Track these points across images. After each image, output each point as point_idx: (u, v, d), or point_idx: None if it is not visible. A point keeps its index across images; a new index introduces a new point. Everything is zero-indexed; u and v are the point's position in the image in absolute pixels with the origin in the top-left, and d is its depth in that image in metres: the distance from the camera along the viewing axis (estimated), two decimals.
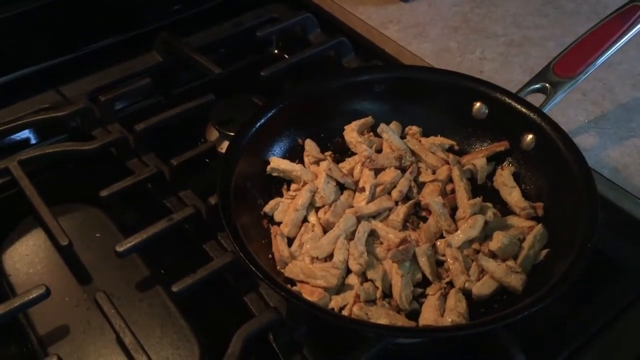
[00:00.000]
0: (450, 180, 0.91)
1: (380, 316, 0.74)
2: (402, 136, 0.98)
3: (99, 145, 0.98)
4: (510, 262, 0.80)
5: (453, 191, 0.90)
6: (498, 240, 0.80)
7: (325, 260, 0.81)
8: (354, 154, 0.96)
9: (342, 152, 0.97)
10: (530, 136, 0.91)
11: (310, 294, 0.76)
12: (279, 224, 0.87)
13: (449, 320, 0.73)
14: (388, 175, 0.90)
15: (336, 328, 0.77)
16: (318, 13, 1.27)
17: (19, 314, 0.80)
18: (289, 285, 0.78)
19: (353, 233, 0.83)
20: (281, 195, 0.91)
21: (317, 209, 0.88)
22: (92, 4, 1.17)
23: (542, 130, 0.89)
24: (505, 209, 0.89)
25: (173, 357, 0.78)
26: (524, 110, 0.91)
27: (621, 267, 0.87)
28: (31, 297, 0.78)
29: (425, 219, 0.87)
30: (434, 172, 0.93)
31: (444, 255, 0.82)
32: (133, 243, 0.83)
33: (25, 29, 1.12)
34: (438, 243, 0.83)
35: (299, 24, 1.24)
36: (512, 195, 0.88)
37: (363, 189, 0.88)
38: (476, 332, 0.70)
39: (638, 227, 0.90)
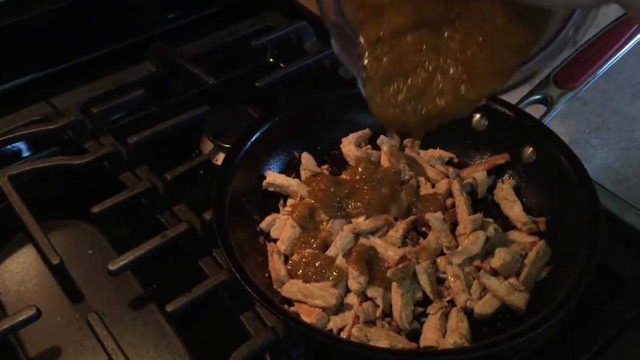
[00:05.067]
0: (450, 194, 0.90)
1: (380, 337, 0.73)
2: (401, 149, 0.97)
3: (91, 159, 0.96)
4: (512, 280, 0.78)
5: (453, 205, 0.89)
6: (500, 258, 0.79)
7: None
8: (351, 167, 0.94)
9: (339, 165, 0.96)
10: (530, 149, 0.90)
11: (308, 315, 0.75)
12: (275, 240, 0.85)
13: (451, 341, 0.72)
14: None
15: (335, 349, 0.75)
16: (314, 22, 1.25)
17: (8, 336, 0.78)
18: (285, 306, 0.77)
19: (351, 250, 0.81)
20: (277, 211, 0.90)
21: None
22: (84, 14, 1.15)
23: (542, 143, 0.88)
24: (506, 224, 0.88)
25: None
26: (524, 122, 0.90)
27: (624, 280, 0.86)
28: (21, 318, 0.76)
29: (424, 235, 0.86)
30: (433, 186, 0.92)
31: (444, 272, 0.81)
32: (126, 261, 0.81)
33: (16, 40, 1.10)
34: (438, 260, 0.82)
35: (294, 32, 1.22)
36: (513, 209, 0.87)
37: None
38: (480, 355, 0.68)
39: None
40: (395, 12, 0.61)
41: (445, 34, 0.60)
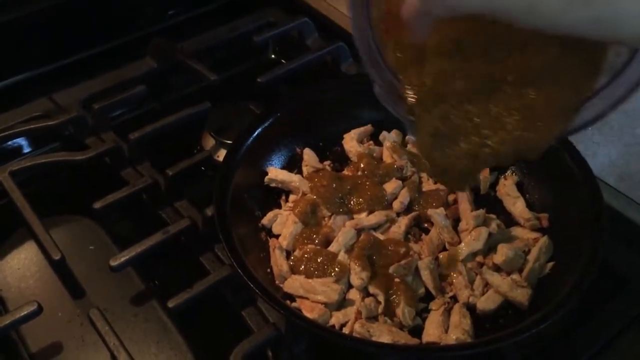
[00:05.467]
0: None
1: (383, 333, 0.72)
2: (403, 145, 0.97)
3: (92, 155, 0.96)
4: (515, 276, 0.78)
5: (455, 201, 0.88)
6: (503, 254, 0.78)
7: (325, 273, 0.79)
8: (353, 162, 0.94)
9: (341, 161, 0.96)
10: None
11: (310, 310, 0.74)
12: (277, 236, 0.85)
13: (454, 337, 0.72)
14: (389, 186, 0.88)
15: (337, 345, 0.75)
16: (316, 18, 1.25)
17: (10, 332, 0.78)
18: (288, 301, 0.77)
19: (353, 246, 0.81)
20: (279, 207, 0.89)
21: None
22: (85, 10, 1.15)
23: None
24: (509, 220, 0.88)
25: None
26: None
27: (626, 277, 0.85)
28: (22, 314, 0.76)
29: (427, 231, 0.86)
30: (435, 182, 0.91)
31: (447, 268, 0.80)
32: (127, 257, 0.81)
33: (17, 36, 1.10)
34: (441, 256, 0.82)
35: (296, 28, 1.22)
36: (516, 205, 0.87)
37: None
38: (482, 351, 0.68)
39: None
40: (438, 56, 0.58)
41: (494, 76, 0.57)
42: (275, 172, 0.90)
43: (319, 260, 0.79)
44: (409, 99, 0.59)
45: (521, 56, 0.55)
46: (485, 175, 0.90)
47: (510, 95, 0.56)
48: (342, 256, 0.80)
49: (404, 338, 0.73)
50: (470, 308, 0.77)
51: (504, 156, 0.59)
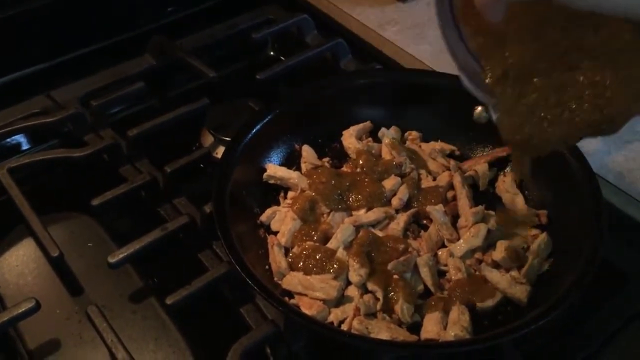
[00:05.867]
0: (451, 186, 0.89)
1: (381, 330, 0.72)
2: (402, 141, 0.96)
3: (90, 152, 0.96)
4: (514, 273, 0.78)
5: (454, 198, 0.88)
6: (501, 250, 0.78)
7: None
8: (352, 159, 0.94)
9: (340, 157, 0.96)
10: None
11: (309, 307, 0.74)
12: (275, 233, 0.85)
13: (452, 334, 0.72)
14: (388, 183, 0.88)
15: (336, 341, 0.75)
16: (314, 14, 1.25)
17: (8, 329, 0.78)
18: (286, 298, 0.76)
19: (352, 243, 0.80)
20: (278, 204, 0.89)
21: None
22: (84, 6, 1.15)
23: None
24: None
25: None
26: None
27: (626, 274, 0.85)
28: (20, 310, 0.76)
29: (426, 227, 0.86)
30: (434, 179, 0.91)
31: (445, 265, 0.81)
32: (126, 254, 0.81)
33: (15, 33, 1.10)
34: (440, 253, 0.82)
35: (295, 25, 1.22)
36: (515, 202, 0.87)
37: None
38: (481, 348, 0.68)
39: None
40: (519, 40, 0.60)
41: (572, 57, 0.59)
42: (274, 169, 0.90)
43: (317, 257, 0.79)
44: (491, 81, 0.62)
45: (594, 39, 0.58)
46: (484, 172, 0.90)
47: (585, 73, 0.59)
48: (340, 253, 0.79)
49: (402, 335, 0.73)
50: (469, 305, 0.77)
51: (583, 128, 0.61)
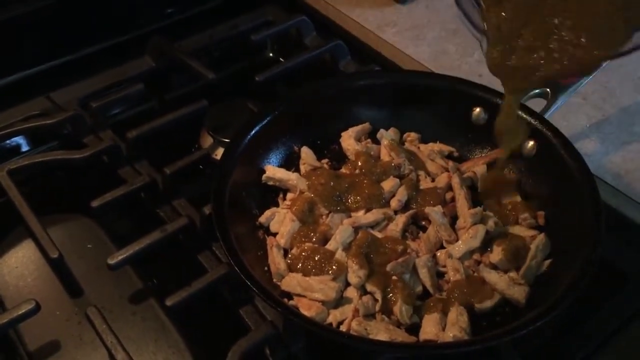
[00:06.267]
0: (450, 188, 0.89)
1: (380, 331, 0.72)
2: (401, 143, 0.97)
3: (90, 154, 0.96)
4: (512, 274, 0.78)
5: (453, 199, 0.88)
6: (499, 252, 0.78)
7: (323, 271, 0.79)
8: (351, 161, 0.94)
9: (339, 159, 0.96)
10: (531, 142, 0.89)
11: (308, 308, 0.74)
12: (275, 234, 0.85)
13: (451, 335, 0.72)
14: (387, 184, 0.88)
15: (335, 343, 0.75)
16: (313, 16, 1.25)
17: (8, 330, 0.78)
18: (285, 299, 0.77)
19: (350, 244, 0.81)
20: (277, 205, 0.89)
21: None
22: (83, 8, 1.15)
23: (543, 137, 0.88)
24: None
25: None
26: (524, 116, 0.89)
27: (625, 275, 0.86)
28: (20, 312, 0.76)
29: (424, 229, 0.86)
30: (433, 180, 0.91)
31: (444, 266, 0.81)
32: (125, 255, 0.81)
33: (14, 34, 1.10)
34: (438, 254, 0.82)
35: (294, 27, 1.22)
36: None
37: None
38: (480, 349, 0.68)
39: None
40: None
41: None
42: (273, 170, 0.90)
43: (316, 258, 0.79)
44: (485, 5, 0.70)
45: None
46: (483, 173, 0.90)
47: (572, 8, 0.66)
48: (339, 254, 0.80)
49: (401, 336, 0.73)
50: (468, 306, 0.77)
51: (564, 62, 0.67)
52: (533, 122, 0.88)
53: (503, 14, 0.68)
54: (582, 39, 0.65)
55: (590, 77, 0.91)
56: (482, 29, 0.70)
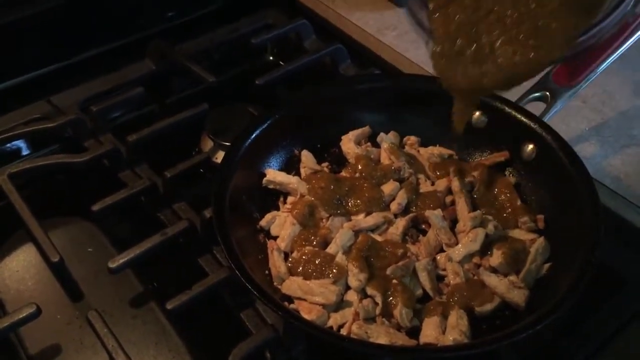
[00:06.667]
0: (449, 191, 0.89)
1: (380, 334, 0.72)
2: (401, 146, 0.97)
3: (90, 158, 0.96)
4: (512, 277, 0.78)
5: (453, 203, 0.88)
6: (498, 256, 0.78)
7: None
8: (351, 164, 0.94)
9: (339, 162, 0.96)
10: (530, 146, 0.90)
11: (308, 312, 0.75)
12: (275, 238, 0.85)
13: (451, 338, 0.72)
14: (387, 188, 0.88)
15: (335, 346, 0.75)
16: (313, 19, 1.25)
17: (9, 334, 0.78)
18: (286, 303, 0.77)
19: (351, 248, 0.81)
20: (277, 209, 0.90)
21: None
22: (84, 12, 1.16)
23: (542, 140, 0.88)
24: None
25: None
26: (524, 119, 0.90)
27: (624, 278, 0.86)
28: (21, 316, 0.76)
29: (424, 232, 0.86)
30: (433, 183, 0.92)
31: (444, 269, 0.81)
32: (126, 259, 0.81)
33: (15, 38, 1.10)
34: (438, 257, 0.82)
35: (294, 30, 1.22)
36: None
37: None
38: (480, 352, 0.68)
39: None
40: None
41: None
42: (274, 174, 0.90)
43: (317, 262, 0.80)
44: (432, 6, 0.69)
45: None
46: (483, 178, 0.90)
47: (521, 20, 0.66)
48: (340, 258, 0.80)
49: (401, 339, 0.73)
50: (468, 309, 0.77)
51: (510, 69, 0.67)
52: (532, 126, 0.89)
53: (449, 16, 0.68)
54: (530, 42, 0.66)
55: (590, 80, 0.91)
56: (429, 30, 0.70)
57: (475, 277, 0.80)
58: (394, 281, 0.78)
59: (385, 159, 0.93)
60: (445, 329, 0.74)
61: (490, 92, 0.75)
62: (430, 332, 0.74)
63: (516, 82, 0.70)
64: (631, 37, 0.92)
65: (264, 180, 0.90)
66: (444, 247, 0.83)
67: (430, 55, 0.70)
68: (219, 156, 0.99)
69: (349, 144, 0.95)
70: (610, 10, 0.65)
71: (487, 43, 0.67)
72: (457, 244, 0.83)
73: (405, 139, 0.98)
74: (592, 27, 0.66)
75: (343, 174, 0.93)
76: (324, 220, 0.86)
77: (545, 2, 0.65)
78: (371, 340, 0.72)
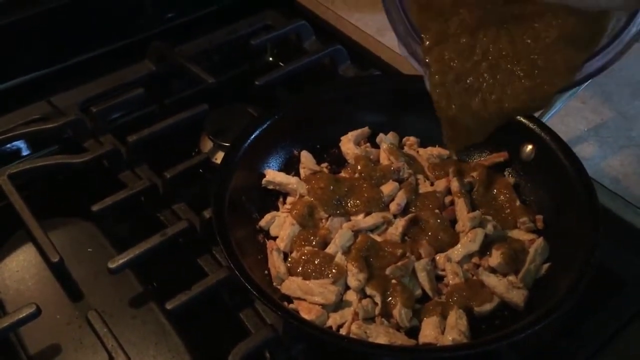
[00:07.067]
0: (449, 192, 0.90)
1: (379, 334, 0.73)
2: (400, 147, 0.97)
3: (90, 158, 0.96)
4: (511, 277, 0.78)
5: (452, 203, 0.88)
6: (497, 256, 0.79)
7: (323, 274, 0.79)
8: (350, 165, 0.94)
9: (338, 163, 0.96)
10: (529, 147, 0.90)
11: (308, 312, 0.75)
12: (274, 238, 0.85)
13: (450, 338, 0.72)
14: (386, 188, 0.88)
15: (335, 346, 0.75)
16: (313, 20, 1.25)
17: (8, 334, 0.78)
18: (285, 303, 0.77)
19: (350, 248, 0.81)
20: (277, 209, 0.90)
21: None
22: (84, 13, 1.16)
23: (541, 141, 0.88)
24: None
25: None
26: (523, 120, 0.90)
27: (623, 279, 0.86)
28: (21, 316, 0.76)
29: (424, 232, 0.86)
30: (432, 184, 0.92)
31: (443, 270, 0.81)
32: (125, 259, 0.81)
33: (15, 39, 1.10)
34: (437, 257, 0.82)
35: (293, 31, 1.22)
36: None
37: None
38: (479, 352, 0.68)
39: (639, 238, 0.89)
40: (456, 12, 0.65)
41: (506, 33, 0.64)
42: (273, 175, 0.90)
43: (316, 262, 0.80)
44: (427, 46, 0.67)
45: (533, 24, 0.64)
46: (482, 179, 0.91)
47: (517, 49, 0.65)
48: (339, 258, 0.80)
49: (400, 339, 0.73)
50: (467, 309, 0.77)
51: (511, 106, 0.66)
52: (531, 127, 0.89)
53: (446, 55, 0.66)
54: (528, 79, 0.64)
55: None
56: (424, 63, 0.68)
57: (475, 277, 0.80)
58: (393, 281, 0.78)
59: (384, 160, 0.93)
60: (444, 329, 0.74)
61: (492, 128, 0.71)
62: (429, 332, 0.74)
63: (523, 113, 0.71)
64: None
65: (264, 181, 0.90)
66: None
67: (429, 90, 0.68)
68: (219, 157, 0.99)
69: (348, 144, 0.95)
70: (614, 36, 0.63)
71: (486, 81, 0.66)
72: (456, 244, 0.82)
73: (404, 139, 0.98)
74: (596, 54, 0.64)
75: (342, 174, 0.93)
76: (323, 220, 0.86)
77: (542, 36, 0.63)
78: (370, 340, 0.72)
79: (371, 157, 0.94)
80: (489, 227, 0.83)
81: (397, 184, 0.89)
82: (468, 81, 0.66)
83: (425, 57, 0.67)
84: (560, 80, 0.64)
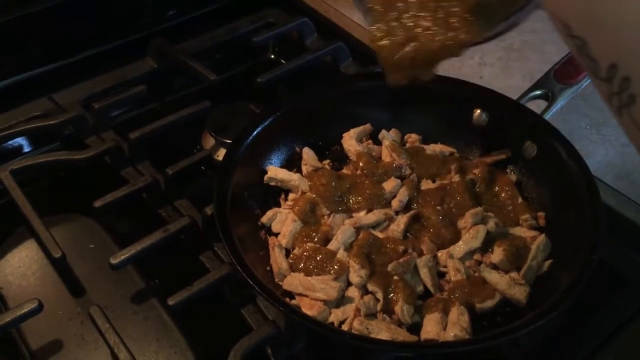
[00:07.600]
0: None
1: (381, 330, 0.73)
2: (402, 144, 0.97)
3: (92, 154, 0.96)
4: (513, 274, 0.79)
5: None
6: (499, 252, 0.79)
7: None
8: (352, 161, 0.94)
9: (340, 160, 0.96)
10: (531, 144, 0.90)
11: (310, 308, 0.75)
12: (276, 234, 0.85)
13: (452, 334, 0.72)
14: (388, 185, 0.88)
15: (336, 342, 0.75)
16: (315, 18, 1.25)
17: (10, 330, 0.78)
18: (287, 299, 0.77)
19: (352, 245, 0.81)
20: (279, 205, 0.90)
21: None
22: (86, 9, 1.16)
23: (543, 138, 0.88)
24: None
25: None
26: (525, 117, 0.90)
27: (625, 276, 0.86)
28: (23, 311, 0.76)
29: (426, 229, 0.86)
30: (434, 181, 0.92)
31: (445, 266, 0.81)
32: (127, 255, 0.81)
33: (17, 35, 1.10)
34: (439, 254, 0.82)
35: (295, 29, 1.22)
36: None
37: None
38: (481, 348, 0.68)
39: None
40: None
41: None
42: (275, 171, 0.90)
43: (318, 258, 0.80)
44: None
45: None
46: (484, 176, 0.90)
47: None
48: (341, 254, 0.80)
49: (402, 335, 0.73)
50: (469, 306, 0.77)
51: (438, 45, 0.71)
52: (534, 124, 0.89)
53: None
54: (459, 20, 0.69)
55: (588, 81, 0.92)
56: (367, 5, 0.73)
57: (476, 274, 0.80)
58: (395, 278, 0.78)
59: (386, 157, 0.94)
60: (446, 325, 0.74)
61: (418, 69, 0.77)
62: (431, 328, 0.74)
63: (440, 60, 0.74)
64: None
65: (266, 177, 0.90)
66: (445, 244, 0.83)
67: (368, 29, 0.74)
68: (220, 153, 0.99)
69: (350, 141, 0.95)
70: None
71: (416, 24, 0.71)
72: (458, 240, 0.82)
73: (406, 136, 0.98)
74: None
75: (344, 171, 0.93)
76: (325, 217, 0.86)
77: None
78: (372, 336, 0.72)
79: (373, 154, 0.94)
80: (491, 224, 0.83)
81: (399, 180, 0.89)
82: (402, 26, 0.72)
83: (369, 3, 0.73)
84: (483, 26, 0.70)
